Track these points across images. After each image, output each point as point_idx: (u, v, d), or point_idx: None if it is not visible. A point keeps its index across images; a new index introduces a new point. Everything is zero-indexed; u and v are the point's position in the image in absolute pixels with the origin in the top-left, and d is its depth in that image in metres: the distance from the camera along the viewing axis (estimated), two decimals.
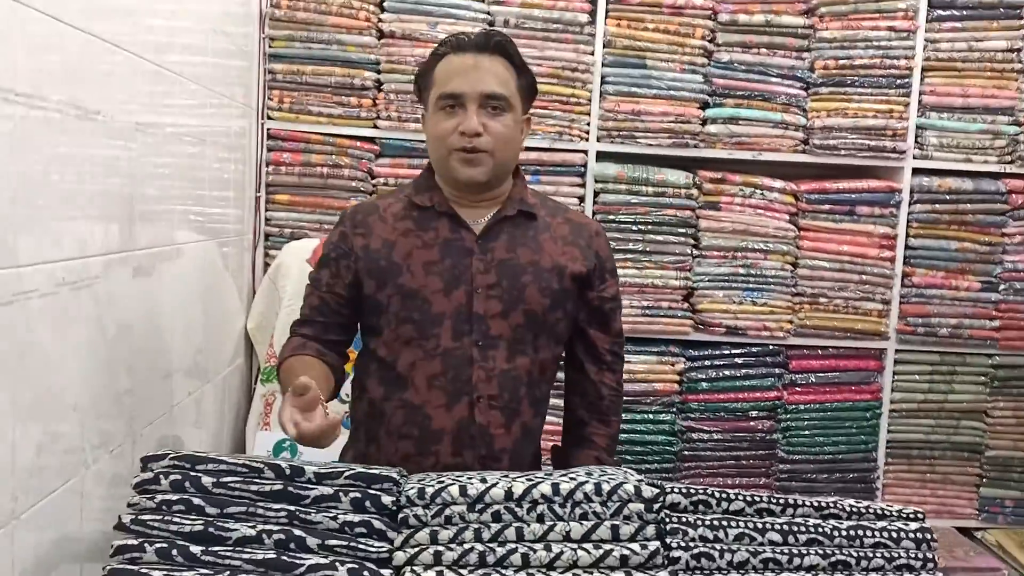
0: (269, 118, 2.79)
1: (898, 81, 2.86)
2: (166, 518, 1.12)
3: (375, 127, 2.81)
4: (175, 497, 1.15)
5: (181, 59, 1.97)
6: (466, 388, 1.59)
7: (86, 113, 1.45)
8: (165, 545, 1.09)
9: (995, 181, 2.90)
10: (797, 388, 2.93)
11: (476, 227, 1.64)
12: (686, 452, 2.89)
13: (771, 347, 2.92)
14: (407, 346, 1.61)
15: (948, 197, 2.89)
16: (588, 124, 2.83)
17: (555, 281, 1.64)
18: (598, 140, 2.84)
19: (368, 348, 1.69)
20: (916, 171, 2.89)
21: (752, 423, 2.91)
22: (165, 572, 1.07)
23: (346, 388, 1.77)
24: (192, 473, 1.17)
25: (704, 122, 2.86)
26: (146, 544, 1.09)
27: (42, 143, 1.31)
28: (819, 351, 2.94)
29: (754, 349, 2.91)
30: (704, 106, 2.87)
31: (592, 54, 2.82)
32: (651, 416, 2.87)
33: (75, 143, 1.42)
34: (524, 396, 1.63)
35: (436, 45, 1.66)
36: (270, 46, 2.78)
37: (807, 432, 2.93)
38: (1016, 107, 2.89)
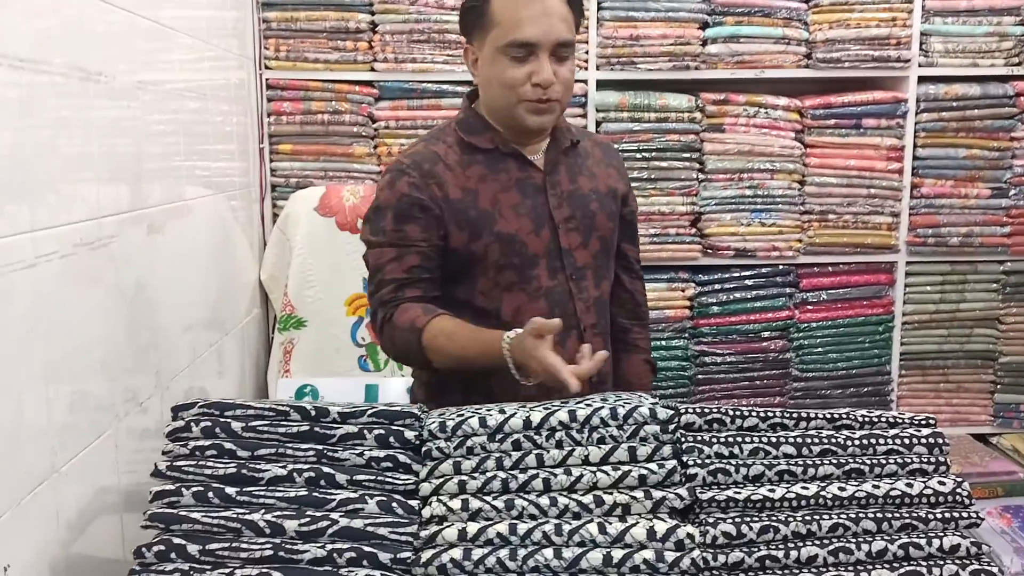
0: (267, 67, 2.78)
1: None
2: (200, 463, 1.16)
3: (372, 70, 2.80)
4: (207, 443, 1.19)
5: (176, 14, 1.96)
6: (572, 321, 1.62)
7: (88, 75, 1.46)
8: (201, 488, 1.14)
9: (1003, 85, 2.86)
10: (808, 306, 2.95)
11: (536, 162, 1.65)
12: (700, 376, 2.93)
13: (781, 267, 2.93)
14: (508, 291, 1.60)
15: (955, 104, 2.86)
16: (587, 52, 2.80)
17: (612, 204, 1.70)
18: (597, 68, 2.81)
19: (455, 299, 1.61)
20: (922, 79, 2.86)
21: (765, 343, 2.94)
22: (203, 513, 1.12)
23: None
24: (222, 419, 1.21)
25: (704, 43, 2.82)
26: (183, 488, 1.14)
27: (48, 108, 1.32)
28: (829, 268, 2.95)
29: (764, 270, 2.93)
30: (704, 26, 2.83)
31: None
32: (663, 343, 2.90)
33: (80, 106, 1.43)
34: (609, 318, 1.72)
35: None
36: None
37: (820, 349, 2.96)
38: (1022, 6, 2.83)
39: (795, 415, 1.27)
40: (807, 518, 1.16)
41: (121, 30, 1.62)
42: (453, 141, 1.64)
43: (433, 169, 1.59)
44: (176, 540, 1.10)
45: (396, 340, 1.56)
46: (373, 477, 1.17)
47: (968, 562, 1.16)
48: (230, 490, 1.14)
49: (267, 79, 2.78)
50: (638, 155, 2.83)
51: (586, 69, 2.80)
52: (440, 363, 1.54)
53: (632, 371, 1.80)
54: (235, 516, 1.11)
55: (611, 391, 1.60)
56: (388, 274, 1.58)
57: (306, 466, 1.17)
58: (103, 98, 1.53)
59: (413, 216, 1.57)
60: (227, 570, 1.09)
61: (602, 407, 1.21)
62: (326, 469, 1.16)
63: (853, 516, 1.17)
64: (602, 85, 2.83)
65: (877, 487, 1.20)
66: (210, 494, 1.13)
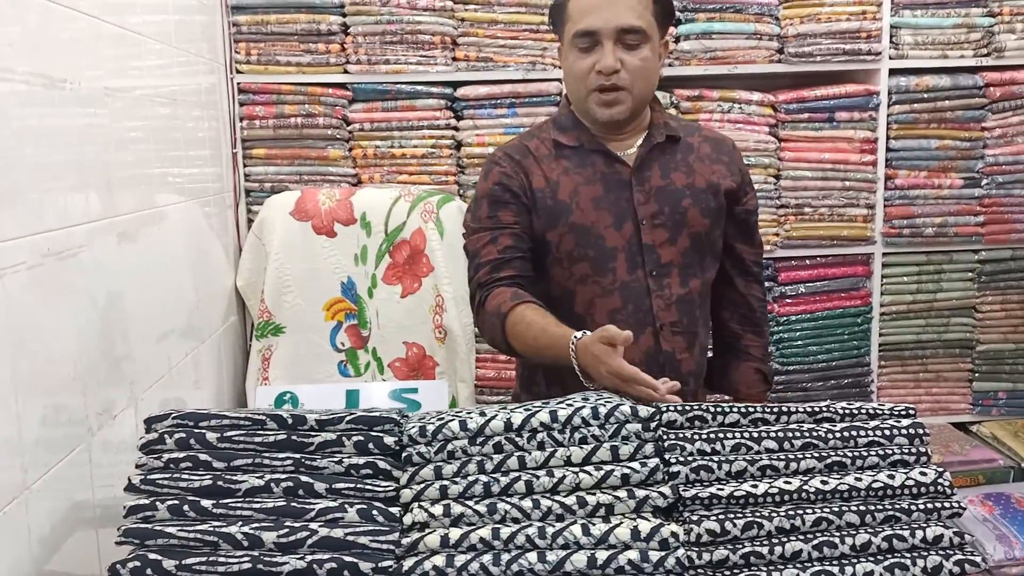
0: (238, 72, 2.75)
1: None
2: (174, 476, 1.14)
3: (345, 72, 2.77)
4: (182, 455, 1.17)
5: (143, 19, 1.93)
6: (648, 318, 1.61)
7: (53, 82, 1.43)
8: (176, 502, 1.11)
9: (972, 76, 2.88)
10: (787, 300, 2.96)
11: (627, 158, 1.64)
12: None
13: None
14: (582, 284, 1.61)
15: (926, 96, 2.88)
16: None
17: (712, 200, 1.66)
18: None
19: (533, 292, 1.62)
20: (893, 72, 2.88)
21: None
22: (179, 527, 1.10)
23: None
24: (196, 430, 1.19)
25: (677, 39, 2.82)
26: (157, 502, 1.12)
27: (12, 116, 1.29)
28: (807, 261, 2.97)
29: None
30: (676, 23, 2.83)
31: None
32: None
33: (45, 114, 1.41)
34: (699, 318, 1.68)
35: None
36: None
37: (800, 342, 2.97)
38: None
39: (776, 409, 1.27)
40: (790, 513, 1.16)
41: (86, 36, 1.59)
42: (547, 137, 1.68)
43: (523, 161, 1.65)
44: (152, 556, 1.08)
45: (484, 325, 1.61)
46: (353, 485, 1.15)
47: (952, 552, 1.17)
48: (206, 503, 1.12)
49: (238, 83, 2.75)
50: None
51: (560, 67, 2.79)
52: (520, 351, 1.55)
53: (741, 379, 1.77)
54: (212, 529, 1.09)
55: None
56: (484, 257, 1.62)
57: (284, 476, 1.15)
58: (69, 105, 1.50)
59: (505, 201, 1.63)
60: None
61: (583, 406, 1.20)
62: (304, 478, 1.15)
63: (836, 510, 1.17)
64: None
65: (859, 480, 1.20)
66: (186, 507, 1.11)
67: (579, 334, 1.41)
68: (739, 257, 1.77)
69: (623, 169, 1.64)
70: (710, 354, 1.84)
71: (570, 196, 1.62)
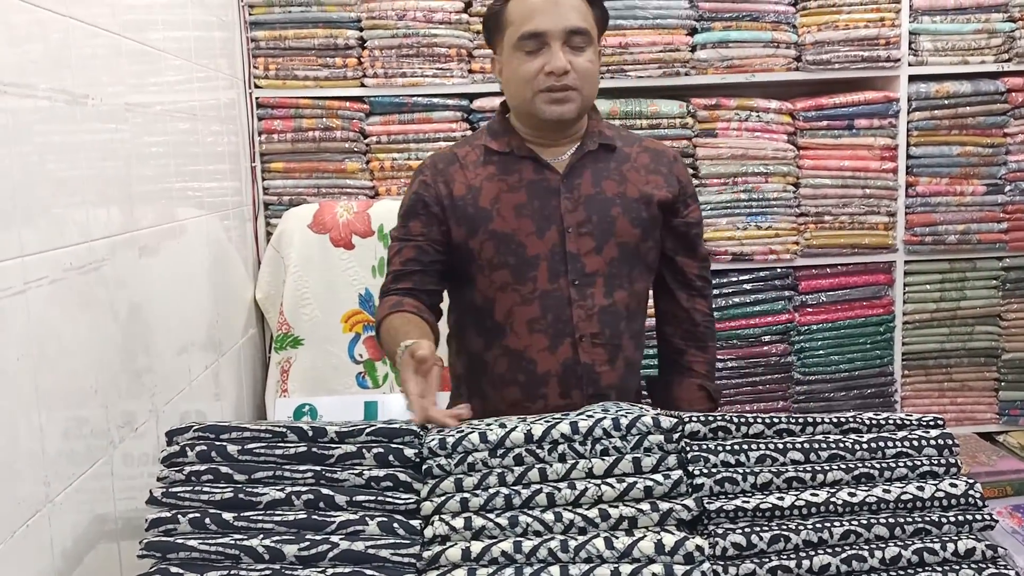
0: (256, 86, 2.77)
1: None
2: (196, 488, 1.14)
3: (362, 86, 2.78)
4: (203, 467, 1.16)
5: (163, 35, 1.95)
6: (567, 329, 1.59)
7: (75, 98, 1.44)
8: (198, 515, 1.11)
9: (993, 81, 2.86)
10: (808, 309, 2.94)
11: (558, 165, 1.62)
12: None
13: (779, 270, 2.92)
14: (503, 292, 1.60)
15: (947, 102, 2.85)
16: None
17: (643, 210, 1.63)
18: None
19: (461, 301, 1.67)
20: (912, 78, 2.85)
21: (766, 348, 2.92)
22: (200, 540, 1.09)
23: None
24: (217, 442, 1.19)
25: (693, 48, 2.82)
26: (179, 515, 1.11)
27: (35, 132, 1.30)
28: (828, 270, 2.94)
29: (762, 274, 2.91)
30: (692, 32, 2.82)
31: None
32: None
33: (67, 130, 1.42)
34: (624, 330, 1.63)
35: None
36: (250, 13, 2.75)
37: (822, 352, 2.94)
38: (1010, 2, 2.83)
39: (801, 420, 1.25)
40: (818, 526, 1.14)
41: (108, 53, 1.61)
42: (479, 144, 1.67)
43: (447, 168, 1.65)
44: (173, 569, 1.07)
45: (376, 332, 1.64)
46: (373, 497, 1.14)
47: (984, 566, 1.14)
48: (227, 515, 1.11)
49: (257, 98, 2.77)
50: None
51: None
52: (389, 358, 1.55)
53: (684, 395, 1.72)
54: (233, 542, 1.08)
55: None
56: (391, 266, 1.67)
57: (304, 488, 1.14)
58: (91, 121, 1.51)
59: (416, 213, 1.64)
60: None
61: (604, 417, 1.19)
62: (325, 491, 1.14)
63: (865, 522, 1.15)
64: None
65: (888, 491, 1.18)
66: (207, 520, 1.11)
67: (409, 342, 1.39)
68: (681, 271, 1.73)
69: (552, 176, 1.61)
70: (654, 372, 1.82)
71: (491, 203, 1.60)
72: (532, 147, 1.63)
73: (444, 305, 1.73)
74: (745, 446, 1.21)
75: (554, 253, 1.58)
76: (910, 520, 1.16)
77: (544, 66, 1.53)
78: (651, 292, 1.76)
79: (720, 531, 1.13)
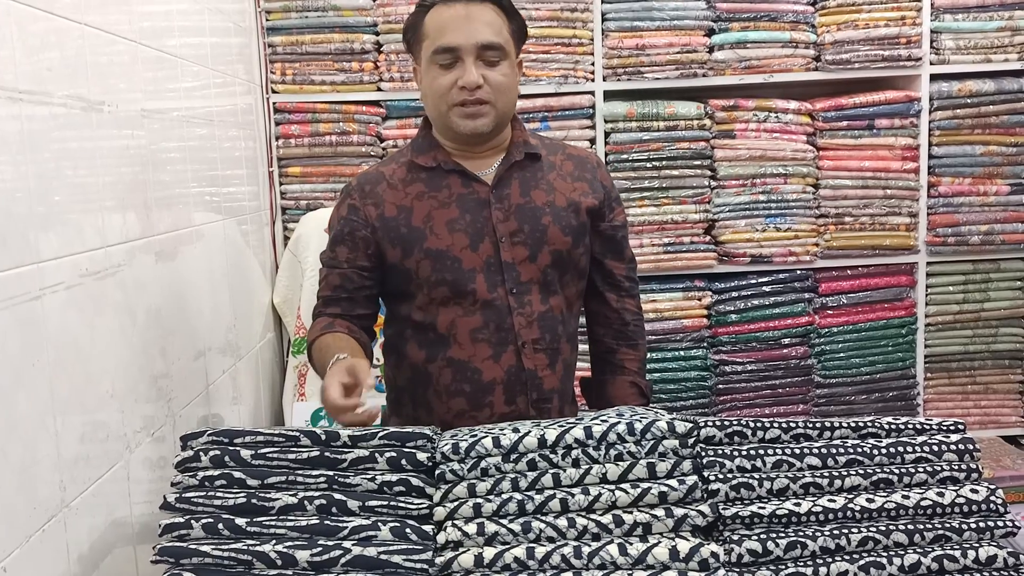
0: (274, 92, 2.78)
1: None
2: (209, 494, 1.14)
3: (379, 90, 2.79)
4: (216, 472, 1.17)
5: (180, 42, 1.96)
6: (509, 336, 1.60)
7: (91, 105, 1.45)
8: (211, 520, 1.11)
9: (1017, 79, 2.82)
10: (828, 311, 2.91)
11: (486, 178, 1.63)
12: (720, 386, 2.89)
13: (798, 272, 2.89)
14: (444, 306, 1.61)
15: (969, 101, 2.82)
16: (593, 64, 2.79)
17: (573, 218, 1.65)
18: (604, 79, 2.79)
19: (399, 314, 1.68)
20: (934, 77, 2.82)
21: (785, 350, 2.89)
22: (213, 545, 1.09)
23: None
24: (231, 447, 1.19)
25: (711, 49, 2.80)
26: (192, 521, 1.11)
27: (51, 139, 1.31)
28: (848, 271, 2.91)
29: (781, 276, 2.89)
30: (709, 33, 2.81)
31: None
32: (682, 353, 2.87)
33: (84, 136, 1.43)
34: (562, 334, 1.65)
35: None
36: (267, 19, 2.76)
37: (842, 354, 2.91)
38: None
39: (818, 425, 1.24)
40: (835, 532, 1.12)
41: (124, 60, 1.62)
42: (405, 160, 1.67)
43: (374, 189, 1.65)
44: (186, 574, 1.08)
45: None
46: (386, 502, 1.14)
47: (1007, 573, 1.12)
48: (240, 521, 1.11)
49: (274, 103, 2.78)
50: (648, 164, 2.80)
51: (592, 80, 2.79)
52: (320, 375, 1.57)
53: (617, 393, 1.73)
54: (246, 548, 1.09)
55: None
56: (320, 290, 1.69)
57: (317, 493, 1.14)
58: (107, 127, 1.52)
59: (343, 238, 1.65)
60: None
61: (618, 422, 1.18)
62: (338, 496, 1.14)
63: (883, 529, 1.13)
64: (609, 96, 2.81)
65: (907, 497, 1.16)
66: (220, 526, 1.11)
67: (343, 355, 1.45)
68: (610, 273, 1.74)
69: (481, 188, 1.62)
70: (588, 373, 1.82)
71: (424, 221, 1.61)
72: (458, 160, 1.64)
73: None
74: (761, 451, 1.19)
75: (490, 264, 1.60)
76: (930, 526, 1.14)
77: (457, 80, 1.55)
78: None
79: (736, 537, 1.11)
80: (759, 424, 1.23)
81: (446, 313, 1.61)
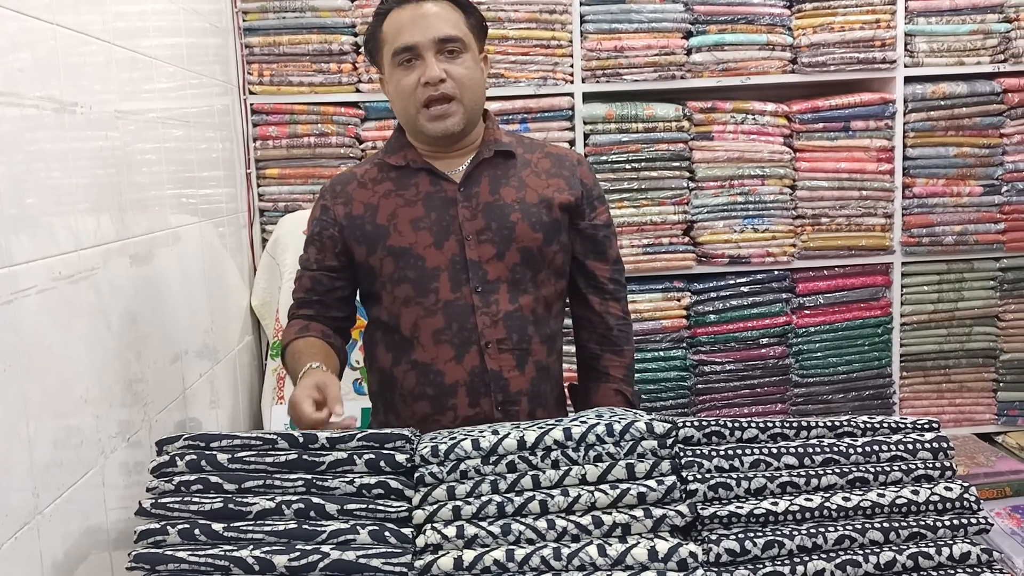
0: (251, 93, 2.76)
1: None
2: (185, 499, 1.13)
3: (357, 91, 2.78)
4: (193, 477, 1.15)
5: (155, 42, 1.94)
6: (472, 336, 1.58)
7: (63, 106, 1.43)
8: (187, 526, 1.10)
9: (989, 82, 2.85)
10: (806, 311, 2.93)
11: (455, 176, 1.63)
12: (700, 386, 2.91)
13: (776, 272, 2.91)
14: (406, 306, 1.60)
15: (943, 103, 2.85)
16: (572, 66, 2.79)
17: (545, 214, 1.63)
18: (583, 81, 2.80)
19: (371, 317, 1.68)
20: (908, 79, 2.85)
21: (763, 350, 2.91)
22: (190, 552, 1.08)
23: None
24: (207, 451, 1.18)
25: (689, 52, 2.81)
26: (168, 527, 1.10)
27: (23, 141, 1.29)
28: (825, 272, 2.94)
29: (759, 276, 2.91)
30: (687, 35, 2.82)
31: None
32: (661, 353, 2.88)
33: (56, 138, 1.41)
34: (533, 335, 1.62)
35: (378, 4, 1.63)
36: (244, 19, 2.74)
37: (819, 354, 2.94)
38: (1005, 3, 2.83)
39: (796, 424, 1.24)
40: (812, 531, 1.13)
41: (98, 61, 1.60)
42: (377, 161, 1.69)
43: (345, 188, 1.67)
44: None
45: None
46: (364, 506, 1.13)
47: (980, 570, 1.13)
48: (217, 526, 1.10)
49: (252, 104, 2.76)
50: (627, 166, 2.81)
51: (572, 82, 2.79)
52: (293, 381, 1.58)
53: (601, 402, 1.69)
54: (223, 553, 1.07)
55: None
56: (294, 292, 1.71)
57: (295, 497, 1.13)
58: (80, 129, 1.50)
59: (313, 239, 1.68)
60: None
61: (597, 423, 1.18)
62: (316, 500, 1.13)
63: (859, 527, 1.14)
64: (588, 97, 2.81)
65: (882, 495, 1.17)
66: (196, 531, 1.10)
67: (315, 363, 1.48)
68: (592, 274, 1.71)
69: (449, 187, 1.61)
70: (574, 374, 1.81)
71: (388, 219, 1.61)
72: (429, 160, 1.63)
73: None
74: (739, 451, 1.20)
75: (455, 263, 1.58)
76: (905, 524, 1.15)
77: (420, 78, 1.55)
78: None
79: (714, 537, 1.12)
80: (737, 424, 1.23)
81: (408, 314, 1.60)
